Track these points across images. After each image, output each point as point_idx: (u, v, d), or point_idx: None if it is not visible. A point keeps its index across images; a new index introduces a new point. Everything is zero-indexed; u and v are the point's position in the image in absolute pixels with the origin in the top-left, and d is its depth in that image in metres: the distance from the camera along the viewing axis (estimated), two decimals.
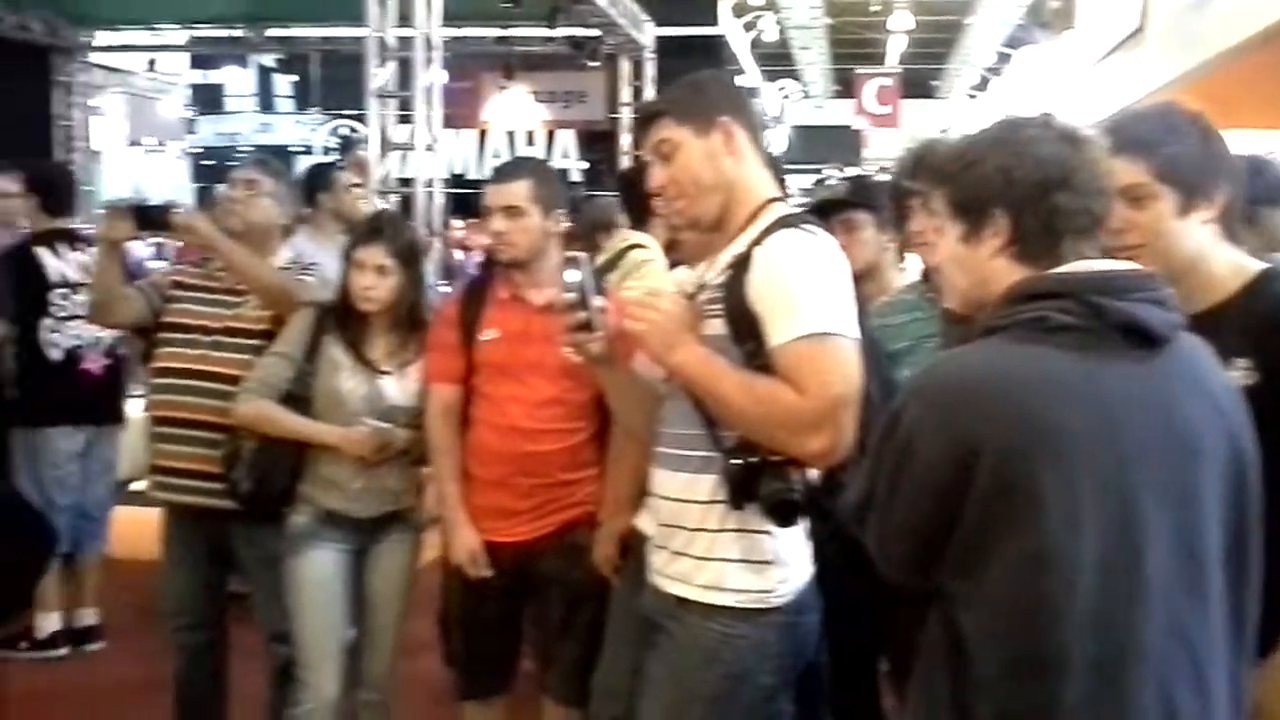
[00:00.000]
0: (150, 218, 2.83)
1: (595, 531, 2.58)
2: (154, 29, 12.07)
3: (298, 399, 2.74)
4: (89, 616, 4.19)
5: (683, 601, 1.89)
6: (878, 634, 2.46)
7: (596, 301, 1.92)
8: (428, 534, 2.92)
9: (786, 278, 1.76)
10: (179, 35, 12.45)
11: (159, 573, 3.07)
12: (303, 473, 2.76)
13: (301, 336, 2.77)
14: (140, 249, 7.99)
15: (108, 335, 3.99)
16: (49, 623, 4.09)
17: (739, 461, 1.77)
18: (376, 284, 2.72)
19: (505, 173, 2.70)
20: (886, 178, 3.21)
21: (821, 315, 1.74)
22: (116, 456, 4.31)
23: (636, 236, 3.29)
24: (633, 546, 2.38)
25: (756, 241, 1.83)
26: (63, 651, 4.12)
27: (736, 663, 1.85)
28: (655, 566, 1.98)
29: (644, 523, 2.36)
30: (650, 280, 2.74)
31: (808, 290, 1.75)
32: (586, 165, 12.77)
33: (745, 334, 1.79)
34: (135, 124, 17.14)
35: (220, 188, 3.02)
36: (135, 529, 5.17)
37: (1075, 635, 1.29)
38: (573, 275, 1.91)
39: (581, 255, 1.95)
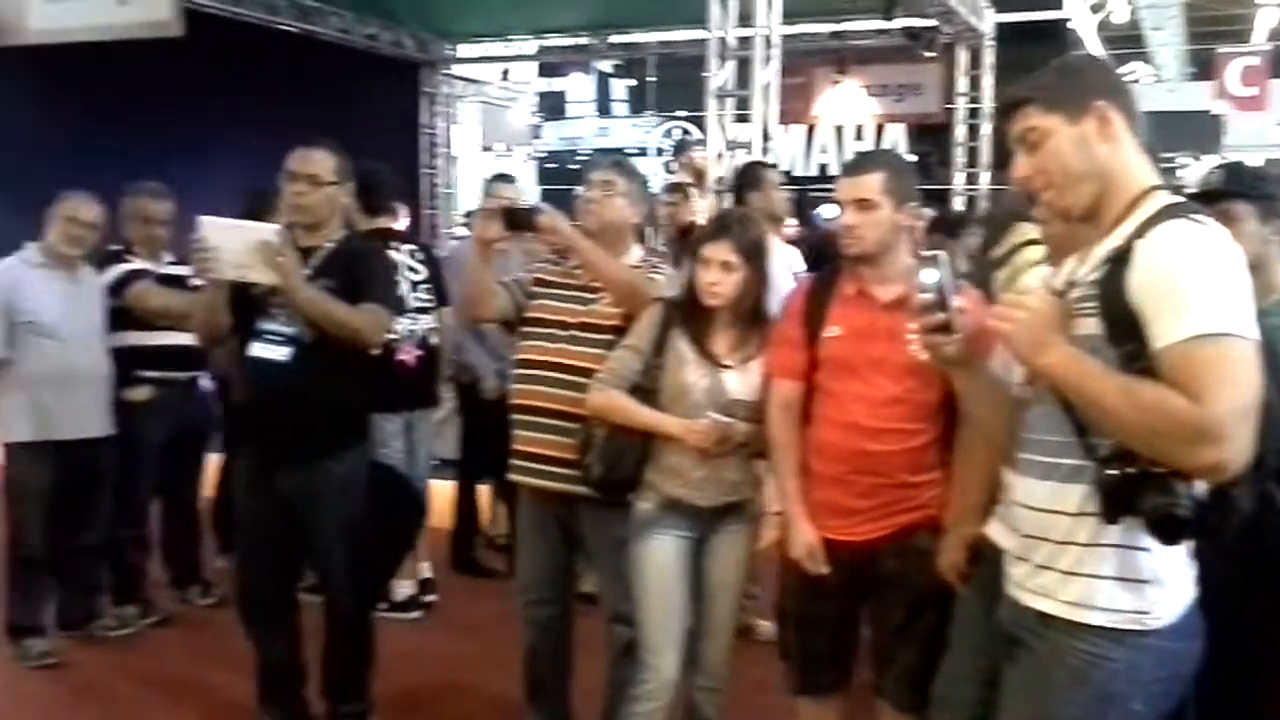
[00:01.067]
0: (518, 219, 3.02)
1: (937, 536, 2.51)
2: (508, 40, 12.93)
3: (646, 391, 2.84)
4: (408, 587, 4.57)
5: (1045, 617, 1.79)
6: (1259, 666, 2.22)
7: (955, 302, 1.85)
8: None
9: (1175, 273, 1.62)
10: (529, 46, 13.27)
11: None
12: (649, 461, 2.86)
13: (651, 331, 2.87)
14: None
15: (420, 328, 4.34)
16: (404, 587, 4.49)
17: (1115, 472, 1.65)
18: (721, 280, 2.78)
19: (857, 165, 2.67)
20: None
21: (1217, 314, 1.59)
22: (431, 436, 4.67)
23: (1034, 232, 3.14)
24: (982, 554, 2.29)
25: (1138, 234, 1.69)
26: (416, 614, 4.53)
27: (1106, 686, 1.73)
28: (1015, 579, 1.88)
29: (995, 531, 2.26)
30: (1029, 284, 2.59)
31: (1200, 286, 1.60)
32: (915, 158, 12.45)
33: (1124, 334, 1.66)
34: (488, 131, 18.43)
35: (578, 190, 3.17)
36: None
37: None
38: (930, 275, 1.85)
39: (940, 253, 1.89)
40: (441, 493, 4.81)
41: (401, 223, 4.81)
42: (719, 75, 5.72)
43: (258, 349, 3.15)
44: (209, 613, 4.58)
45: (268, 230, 3.01)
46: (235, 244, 2.98)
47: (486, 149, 18.67)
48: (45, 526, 4.06)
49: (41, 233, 4.07)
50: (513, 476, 3.16)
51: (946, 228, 4.42)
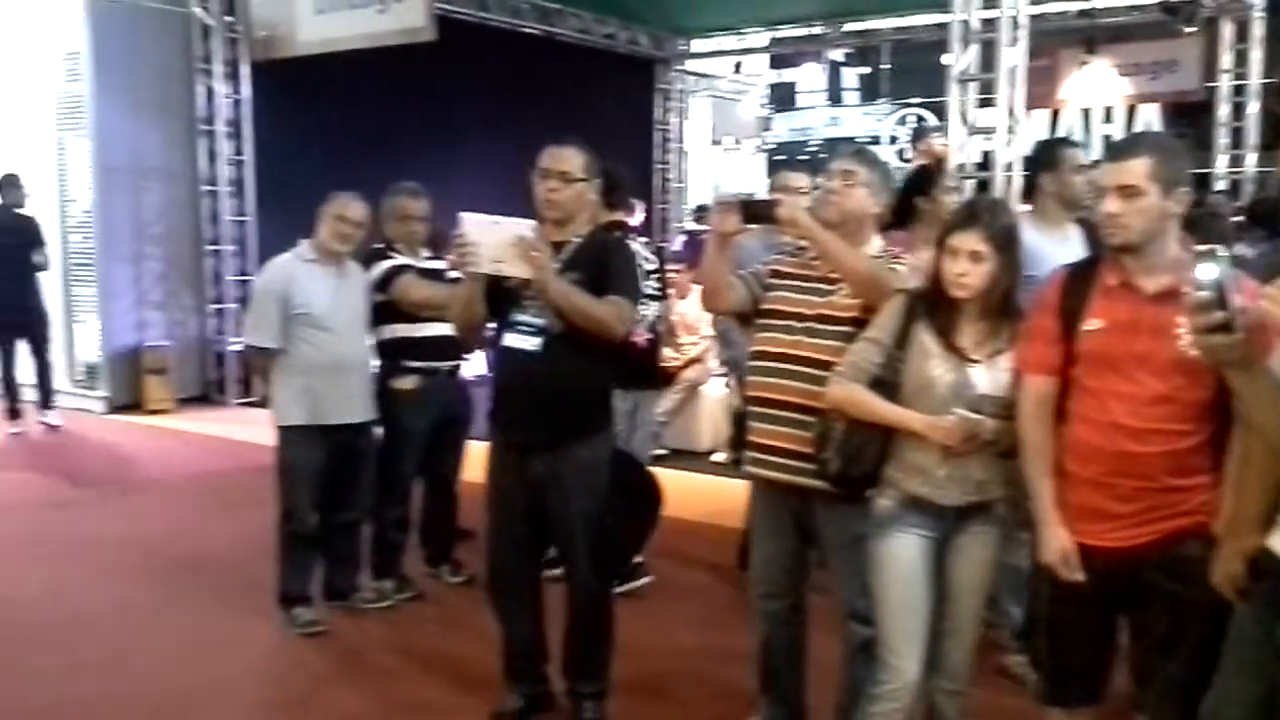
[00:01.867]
0: (756, 211, 3.01)
1: (1208, 544, 2.34)
2: (740, 34, 12.96)
3: (887, 384, 2.77)
4: None
5: None
6: None
7: (1236, 301, 1.72)
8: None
9: None
10: (761, 38, 13.26)
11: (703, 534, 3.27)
12: (889, 457, 2.80)
13: (893, 323, 2.80)
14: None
15: (649, 313, 4.58)
16: None
17: None
18: (970, 270, 2.68)
19: (1122, 149, 2.51)
20: None
21: None
22: (653, 421, 4.94)
23: None
24: (1263, 568, 2.11)
25: None
26: (644, 581, 4.66)
27: None
28: None
29: (1277, 543, 2.09)
30: None
31: None
32: None
33: None
34: (717, 124, 18.52)
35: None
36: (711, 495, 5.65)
37: None
38: (1208, 271, 1.72)
39: (1218, 248, 1.75)
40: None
41: (637, 217, 4.93)
42: (962, 59, 5.53)
43: (510, 339, 3.29)
44: (459, 590, 4.83)
45: (524, 226, 3.14)
46: (493, 239, 3.12)
47: (715, 143, 18.75)
48: (313, 504, 4.37)
49: (313, 231, 4.38)
50: (747, 469, 3.17)
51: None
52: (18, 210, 8.22)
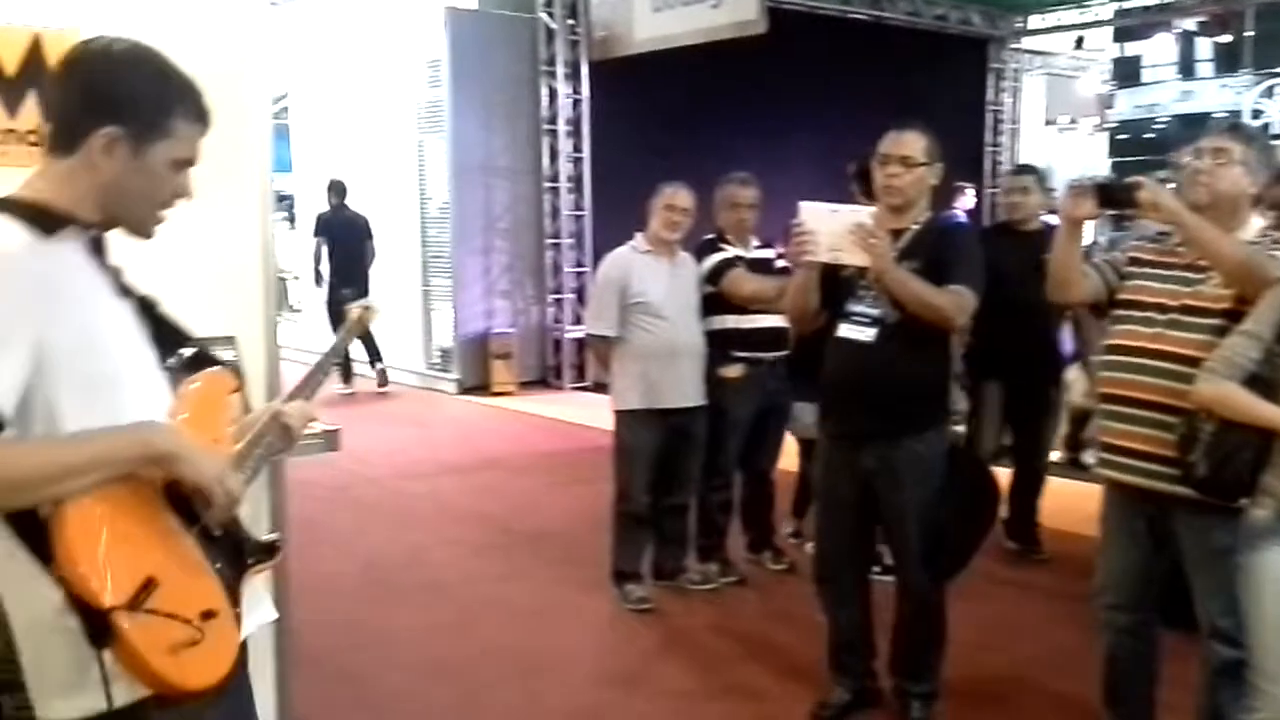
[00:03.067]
0: (1114, 194, 2.82)
1: None
2: (1083, 6, 12.19)
3: (1265, 383, 2.51)
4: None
5: None
6: None
7: None
8: None
9: None
10: (1105, 10, 12.42)
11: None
12: (1267, 463, 2.53)
13: (1273, 315, 2.53)
14: None
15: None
16: None
17: None
18: None
19: None
20: None
21: None
22: None
23: None
24: None
25: None
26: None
27: None
28: None
29: None
30: None
31: None
32: None
33: None
34: (1051, 103, 17.53)
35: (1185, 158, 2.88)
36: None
37: None
38: None
39: None
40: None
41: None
42: None
43: (845, 330, 3.26)
44: (779, 577, 4.88)
45: (863, 213, 3.10)
46: (831, 227, 3.11)
47: (1049, 123, 17.77)
48: (646, 486, 4.54)
49: (645, 224, 4.55)
50: (1099, 470, 2.98)
51: None
52: (351, 209, 9.74)
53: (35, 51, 2.60)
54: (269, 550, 1.75)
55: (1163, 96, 18.61)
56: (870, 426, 3.25)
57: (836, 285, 3.27)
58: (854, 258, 3.10)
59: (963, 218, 9.73)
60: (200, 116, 1.64)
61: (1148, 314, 2.84)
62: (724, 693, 3.78)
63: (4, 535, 1.48)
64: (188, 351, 1.74)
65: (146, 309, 1.70)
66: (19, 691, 1.53)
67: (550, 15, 9.89)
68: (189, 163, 1.64)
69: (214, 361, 1.78)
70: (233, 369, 1.77)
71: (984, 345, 4.59)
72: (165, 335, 1.72)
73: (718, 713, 3.65)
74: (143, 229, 1.66)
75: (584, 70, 9.96)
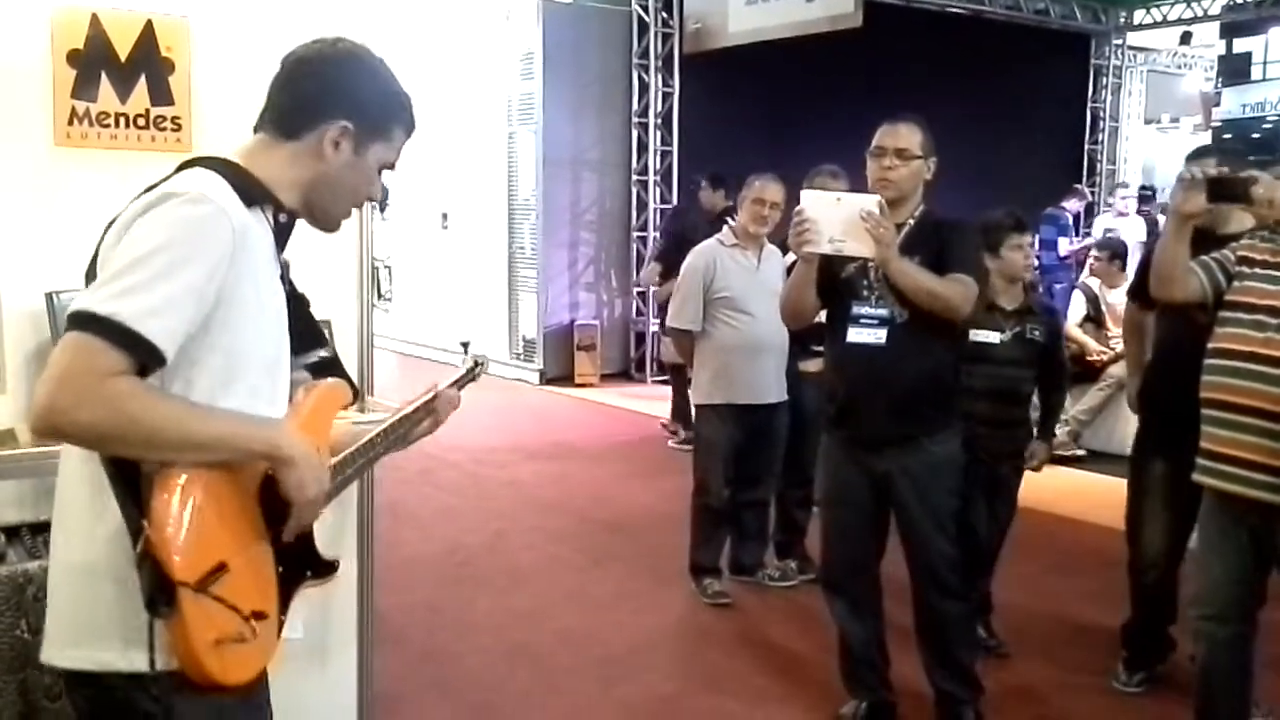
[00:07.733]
0: (1227, 189, 2.71)
1: None
2: (1190, 1, 11.82)
3: None
4: None
5: None
6: None
7: None
8: None
9: None
10: (1215, 4, 12.03)
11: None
12: None
13: None
14: None
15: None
16: None
17: None
18: None
19: None
20: None
21: None
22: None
23: None
24: None
25: None
26: None
27: None
28: None
29: None
30: None
31: None
32: None
33: None
34: (1152, 101, 17.00)
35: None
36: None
37: None
38: None
39: None
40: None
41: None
42: None
43: (854, 334, 3.15)
44: None
45: (869, 201, 2.98)
46: (833, 216, 2.97)
47: (1149, 121, 17.23)
48: (726, 480, 4.51)
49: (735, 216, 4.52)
50: (1198, 477, 2.88)
51: None
52: None
53: (147, 36, 2.67)
54: (329, 568, 1.75)
55: (1274, 94, 17.90)
56: (890, 430, 3.14)
57: (835, 288, 3.18)
58: (857, 248, 2.98)
59: (1069, 220, 9.55)
60: (412, 127, 1.71)
61: (1258, 317, 2.74)
62: (798, 692, 3.74)
63: (100, 470, 1.48)
64: (318, 356, 1.78)
65: (299, 305, 1.73)
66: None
67: (644, 8, 9.90)
68: (391, 168, 1.70)
69: (339, 372, 1.81)
70: (350, 385, 1.80)
71: None
72: (306, 334, 1.75)
73: (790, 712, 3.61)
74: (334, 223, 1.72)
75: (676, 63, 9.95)
